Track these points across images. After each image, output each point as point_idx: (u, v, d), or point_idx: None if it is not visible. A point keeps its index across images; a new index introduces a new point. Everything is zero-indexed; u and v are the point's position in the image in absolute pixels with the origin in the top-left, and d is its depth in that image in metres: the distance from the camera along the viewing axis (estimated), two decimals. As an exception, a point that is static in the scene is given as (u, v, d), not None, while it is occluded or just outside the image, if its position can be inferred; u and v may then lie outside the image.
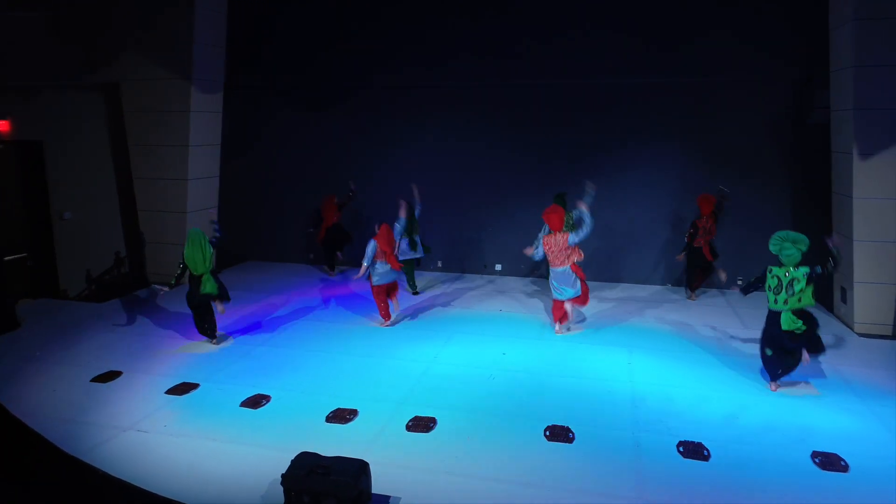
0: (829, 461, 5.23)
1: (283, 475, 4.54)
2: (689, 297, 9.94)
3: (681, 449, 5.44)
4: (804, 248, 6.39)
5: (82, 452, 5.30)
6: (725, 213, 9.78)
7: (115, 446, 5.47)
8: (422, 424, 5.83)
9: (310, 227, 11.88)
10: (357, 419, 5.97)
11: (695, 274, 9.87)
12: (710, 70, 10.02)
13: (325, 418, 5.97)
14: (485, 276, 11.45)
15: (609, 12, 10.30)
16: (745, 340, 8.05)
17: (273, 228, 12.34)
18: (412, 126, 11.45)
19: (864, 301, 8.34)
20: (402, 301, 9.19)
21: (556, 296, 8.19)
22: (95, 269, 10.89)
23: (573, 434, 5.66)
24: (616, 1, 10.25)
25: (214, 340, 7.91)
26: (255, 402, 6.30)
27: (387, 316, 8.61)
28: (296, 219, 12.22)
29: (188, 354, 7.61)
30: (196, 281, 7.61)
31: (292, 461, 4.64)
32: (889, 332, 8.30)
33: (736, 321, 8.86)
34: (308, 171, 12.04)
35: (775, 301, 6.45)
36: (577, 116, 10.73)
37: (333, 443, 5.46)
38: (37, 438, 5.56)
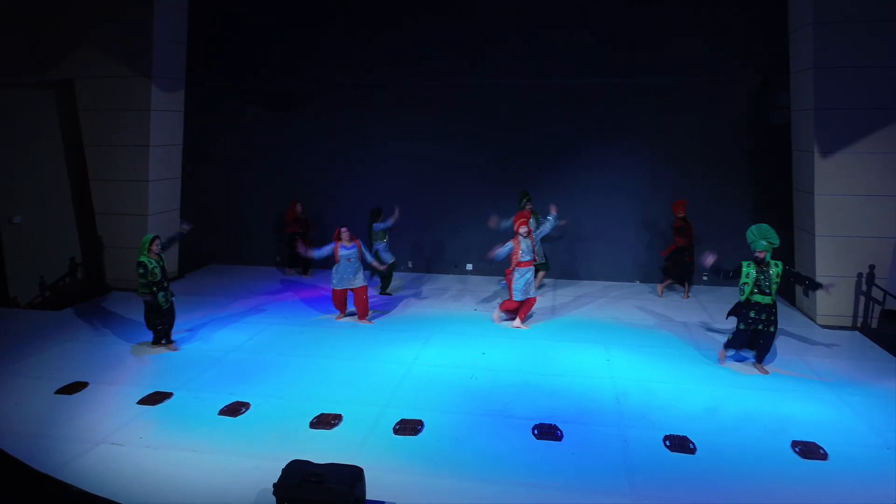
0: (808, 450, 5.39)
1: (274, 485, 4.39)
2: (685, 297, 10.06)
3: (667, 443, 5.52)
4: (775, 244, 6.67)
5: (54, 469, 5.02)
6: (690, 214, 10.04)
7: (89, 461, 5.20)
8: (409, 427, 5.75)
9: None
10: (342, 424, 5.84)
11: (678, 273, 9.97)
12: (674, 71, 10.24)
13: (308, 424, 5.82)
14: (455, 275, 11.42)
15: (576, 14, 10.41)
16: (714, 332, 8.25)
17: (238, 231, 12.02)
18: (380, 126, 11.33)
19: (827, 294, 8.63)
20: (377, 303, 9.09)
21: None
22: (49, 275, 10.39)
23: (561, 432, 5.68)
24: (583, 3, 10.37)
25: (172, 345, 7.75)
26: (235, 409, 6.10)
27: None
28: (262, 221, 11.95)
29: (157, 363, 7.32)
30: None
31: (283, 470, 4.50)
32: (849, 322, 8.63)
33: (704, 315, 9.07)
34: (274, 171, 11.77)
35: (761, 291, 6.77)
36: (546, 116, 10.81)
37: (320, 449, 5.34)
38: (2, 456, 5.24)
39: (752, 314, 6.90)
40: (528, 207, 9.39)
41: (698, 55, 10.14)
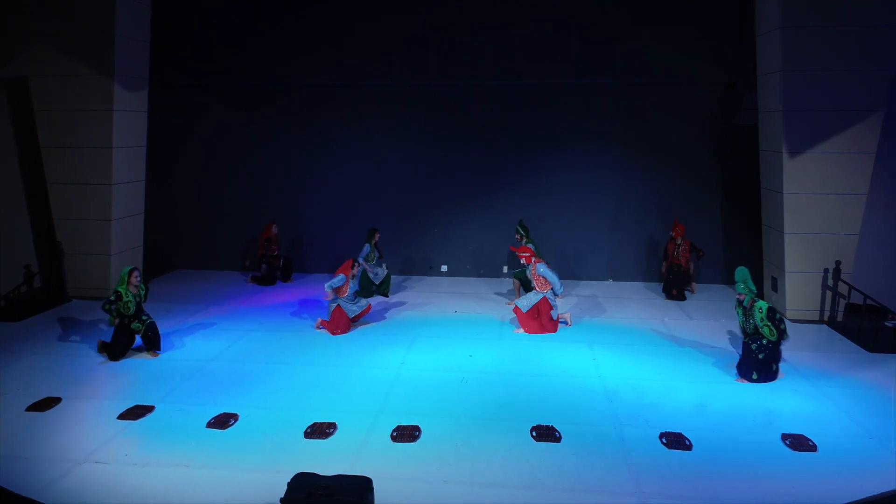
0: (798, 442, 5.55)
1: (281, 499, 4.25)
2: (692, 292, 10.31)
3: (664, 440, 5.59)
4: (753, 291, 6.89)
5: (36, 492, 4.71)
6: (661, 213, 10.26)
7: (72, 482, 4.92)
8: (406, 434, 5.66)
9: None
10: (337, 433, 5.70)
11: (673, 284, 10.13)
12: (644, 73, 10.44)
13: (303, 434, 5.66)
14: (431, 277, 11.35)
15: (548, 15, 10.50)
16: (691, 331, 8.44)
17: (204, 235, 11.64)
18: (351, 126, 11.17)
19: (795, 289, 8.96)
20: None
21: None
22: (2, 285, 9.81)
23: (559, 433, 5.68)
24: (555, 5, 10.45)
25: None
26: (223, 422, 5.88)
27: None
28: (228, 224, 11.61)
29: (133, 374, 7.01)
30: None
31: (289, 483, 4.35)
32: (817, 316, 8.96)
33: (681, 314, 9.27)
34: (242, 173, 11.46)
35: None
36: (520, 117, 10.86)
37: (318, 460, 5.21)
38: (-25, 480, 4.90)
39: (745, 340, 7.00)
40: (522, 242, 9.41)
41: (666, 57, 10.36)
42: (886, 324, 8.63)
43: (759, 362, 6.80)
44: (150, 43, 10.07)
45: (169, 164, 11.34)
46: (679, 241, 9.89)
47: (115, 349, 7.36)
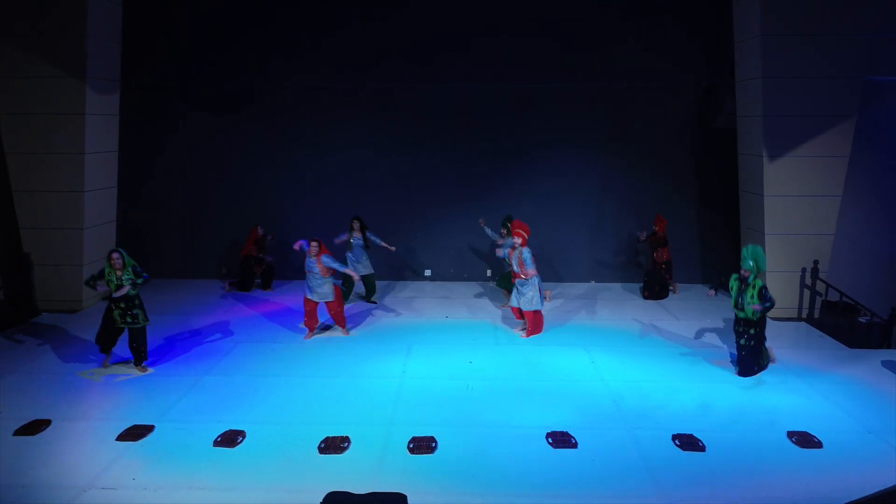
0: (804, 440, 5.73)
1: (317, 521, 4.12)
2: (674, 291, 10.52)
3: (677, 442, 5.69)
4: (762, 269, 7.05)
5: (43, 524, 4.46)
6: (641, 215, 10.46)
7: (81, 511, 4.66)
8: (423, 445, 5.58)
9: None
10: (352, 447, 5.58)
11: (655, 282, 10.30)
12: (624, 78, 10.64)
13: (317, 449, 5.52)
14: (415, 282, 11.26)
15: (530, 20, 10.56)
16: (681, 331, 8.63)
17: (179, 243, 11.21)
18: (330, 129, 10.98)
19: (775, 288, 9.18)
20: (347, 313, 8.85)
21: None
22: (-37, 298, 9.26)
23: (575, 439, 5.71)
24: (536, 10, 10.52)
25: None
26: (230, 439, 5.67)
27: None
28: (205, 232, 11.24)
29: (124, 392, 6.70)
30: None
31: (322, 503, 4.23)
32: (795, 314, 9.29)
33: (667, 314, 9.46)
34: (218, 178, 11.11)
35: (737, 305, 7.09)
36: (503, 121, 10.90)
37: (337, 475, 5.09)
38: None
39: (739, 328, 7.19)
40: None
41: (645, 63, 10.58)
42: (860, 319, 9.01)
43: (751, 353, 7.01)
44: (121, 44, 9.67)
45: (141, 169, 10.89)
46: (660, 237, 10.04)
47: (100, 337, 7.16)
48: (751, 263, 6.95)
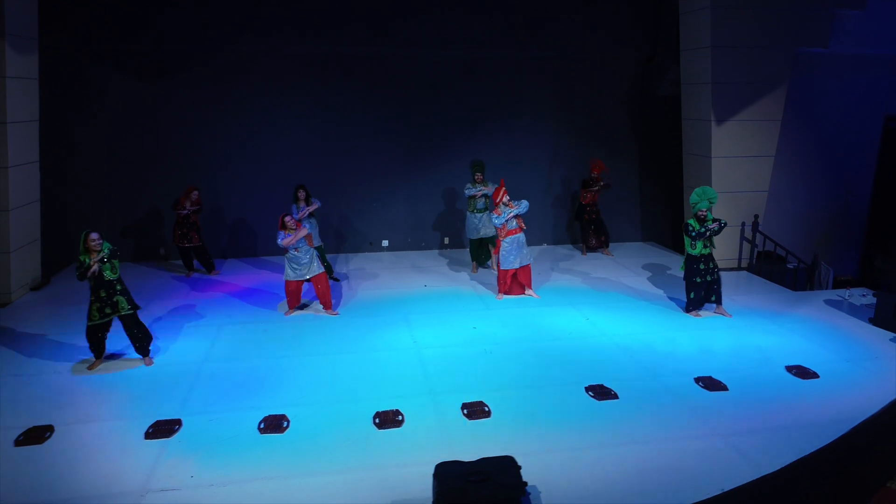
0: (802, 372, 6.42)
1: (437, 492, 4.04)
2: (583, 253, 10.93)
3: (700, 384, 6.14)
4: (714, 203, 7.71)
5: (117, 536, 3.97)
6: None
7: (152, 518, 4.20)
8: (478, 411, 5.59)
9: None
10: (406, 419, 5.46)
11: (588, 233, 10.79)
12: (569, 48, 10.97)
13: (373, 425, 5.35)
14: (374, 253, 11.02)
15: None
16: (647, 284, 9.22)
17: (112, 224, 10.04)
18: (276, 96, 10.32)
19: (719, 241, 10.08)
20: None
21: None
22: None
23: (614, 391, 5.97)
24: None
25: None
26: (276, 425, 5.33)
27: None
28: (139, 210, 10.20)
29: (122, 389, 6.02)
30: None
31: (435, 475, 4.15)
32: (736, 264, 10.25)
33: (627, 271, 10.04)
34: (154, 151, 10.08)
35: (704, 246, 7.64)
36: (451, 89, 10.84)
37: (414, 448, 5.02)
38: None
39: (701, 266, 7.82)
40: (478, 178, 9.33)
41: (590, 33, 10.96)
42: (788, 266, 10.16)
43: (720, 283, 7.86)
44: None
45: (63, 142, 9.62)
46: (600, 183, 10.51)
47: (90, 343, 6.45)
48: (705, 203, 7.57)
